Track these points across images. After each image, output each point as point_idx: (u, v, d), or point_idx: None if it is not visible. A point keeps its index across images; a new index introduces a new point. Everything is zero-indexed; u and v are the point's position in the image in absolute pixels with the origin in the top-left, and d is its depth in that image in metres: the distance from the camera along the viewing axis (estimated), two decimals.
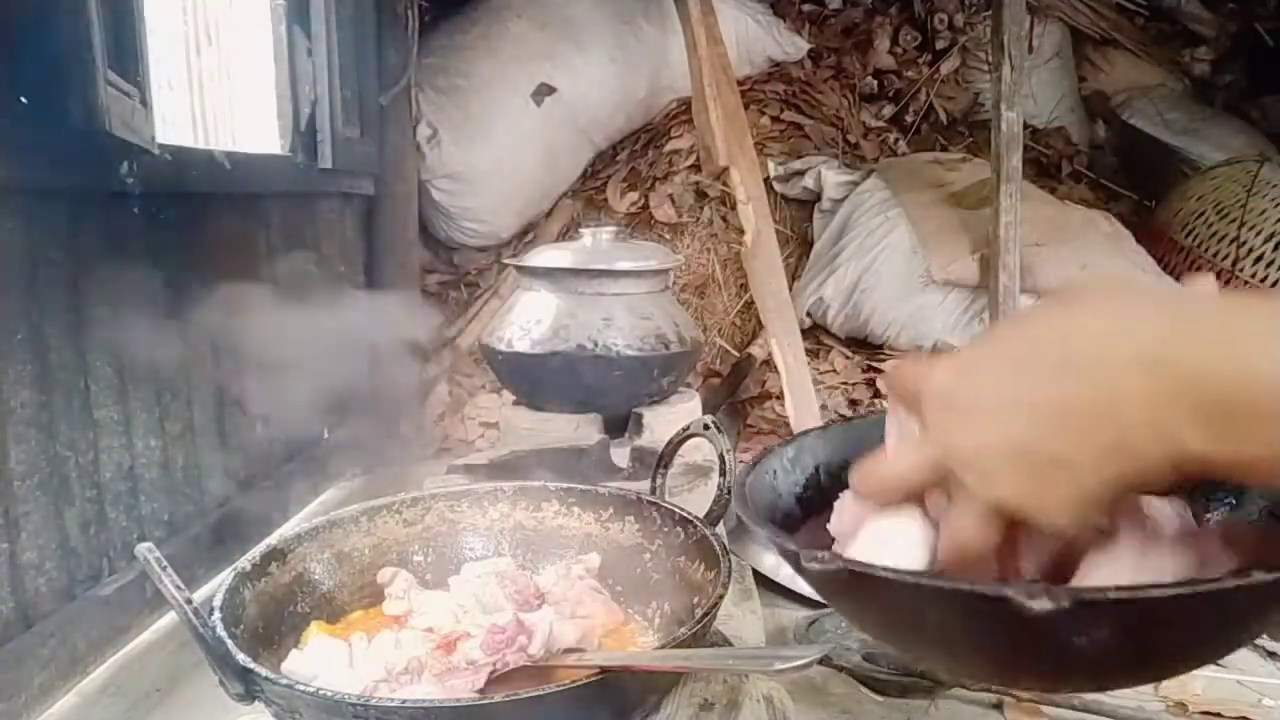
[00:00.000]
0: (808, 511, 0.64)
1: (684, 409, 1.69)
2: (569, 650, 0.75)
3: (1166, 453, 0.36)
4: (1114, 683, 0.50)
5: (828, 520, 0.64)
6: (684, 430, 0.93)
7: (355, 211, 2.37)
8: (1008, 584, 0.40)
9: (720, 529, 0.87)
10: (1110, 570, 0.45)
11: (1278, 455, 0.34)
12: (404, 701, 0.62)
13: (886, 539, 0.49)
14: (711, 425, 0.90)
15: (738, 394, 2.56)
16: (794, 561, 0.49)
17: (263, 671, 0.63)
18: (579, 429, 1.59)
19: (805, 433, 0.69)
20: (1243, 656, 1.49)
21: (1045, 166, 3.30)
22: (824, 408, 2.30)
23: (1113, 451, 0.37)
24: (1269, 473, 0.35)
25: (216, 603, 0.71)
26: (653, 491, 0.94)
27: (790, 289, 2.51)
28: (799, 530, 0.63)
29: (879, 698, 1.36)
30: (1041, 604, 0.37)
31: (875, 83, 3.28)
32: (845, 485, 0.67)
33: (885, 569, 0.45)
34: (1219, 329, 0.36)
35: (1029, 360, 0.41)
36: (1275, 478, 0.35)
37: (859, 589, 0.47)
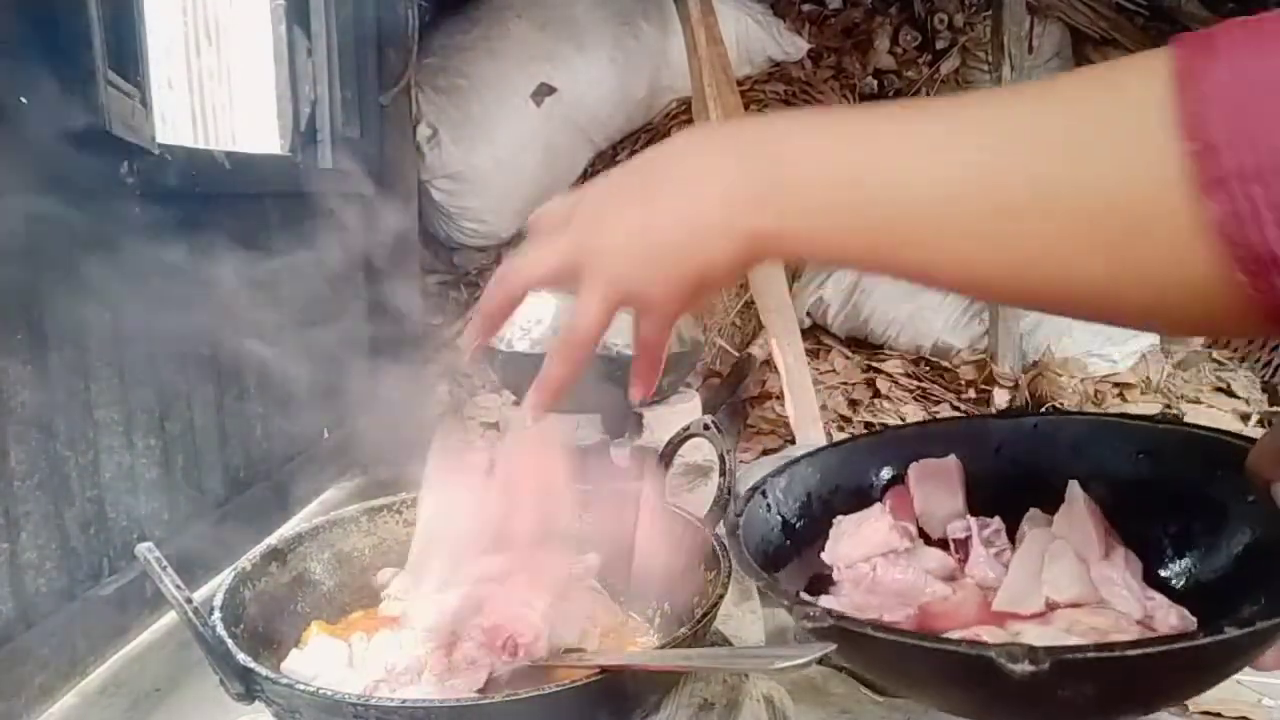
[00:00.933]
0: (800, 541, 0.65)
1: (684, 409, 1.69)
2: (569, 650, 0.75)
3: (741, 235, 0.45)
4: None
5: (820, 550, 0.64)
6: (684, 430, 0.93)
7: (355, 211, 2.37)
8: (989, 646, 0.42)
9: (720, 529, 0.87)
10: None
11: (816, 226, 0.42)
12: (404, 701, 0.62)
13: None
14: (711, 425, 0.89)
15: (738, 394, 2.56)
16: (787, 609, 0.52)
17: (263, 671, 0.63)
18: (579, 429, 1.59)
19: (796, 460, 0.69)
20: None
21: None
22: (824, 408, 2.30)
23: (697, 236, 0.46)
24: (825, 245, 0.43)
25: (216, 602, 0.71)
26: None
27: (790, 289, 2.51)
28: (795, 560, 0.63)
29: (879, 698, 1.36)
30: (1022, 667, 0.40)
31: (875, 83, 3.28)
32: (837, 512, 0.68)
33: (873, 626, 0.47)
34: (770, 143, 0.45)
35: (642, 173, 0.50)
36: (824, 252, 0.44)
37: (849, 641, 0.49)
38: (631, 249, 0.48)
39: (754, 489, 0.65)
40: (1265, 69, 0.30)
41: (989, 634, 0.51)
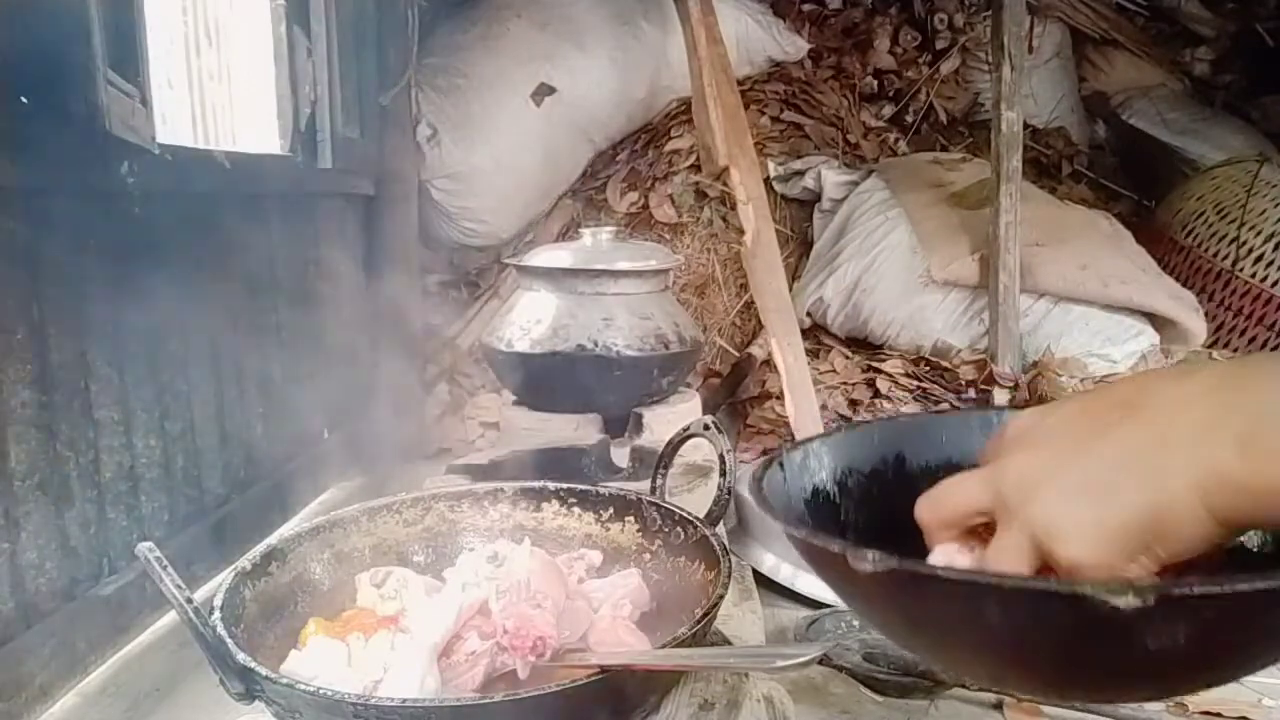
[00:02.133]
0: (815, 519, 0.64)
1: (684, 409, 1.69)
2: (569, 650, 0.75)
3: (1207, 515, 0.39)
4: (1171, 689, 0.48)
5: (836, 530, 0.63)
6: (684, 430, 0.93)
7: (355, 211, 2.37)
8: (1085, 583, 0.38)
9: (720, 529, 0.87)
10: None
11: None
12: (404, 701, 0.62)
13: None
14: (711, 425, 0.89)
15: (738, 394, 2.56)
16: (827, 558, 0.47)
17: (263, 671, 0.63)
18: (579, 429, 1.59)
19: (810, 439, 0.68)
20: None
21: (1045, 166, 3.30)
22: (824, 408, 2.30)
23: (1153, 511, 0.39)
24: None
25: (217, 602, 0.71)
26: (653, 491, 0.94)
27: (790, 289, 2.51)
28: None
29: (879, 698, 1.36)
30: (1126, 601, 0.36)
31: (875, 83, 3.28)
32: (852, 494, 0.67)
33: (946, 569, 0.43)
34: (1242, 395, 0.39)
35: (1091, 405, 0.44)
36: None
37: (911, 594, 0.44)
38: (1057, 487, 0.42)
39: (769, 459, 0.63)
40: None
41: None
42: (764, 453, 2.28)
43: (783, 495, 0.62)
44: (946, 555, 0.49)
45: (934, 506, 0.50)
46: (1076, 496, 0.41)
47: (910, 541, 0.65)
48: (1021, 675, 0.49)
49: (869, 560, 0.43)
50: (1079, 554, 0.41)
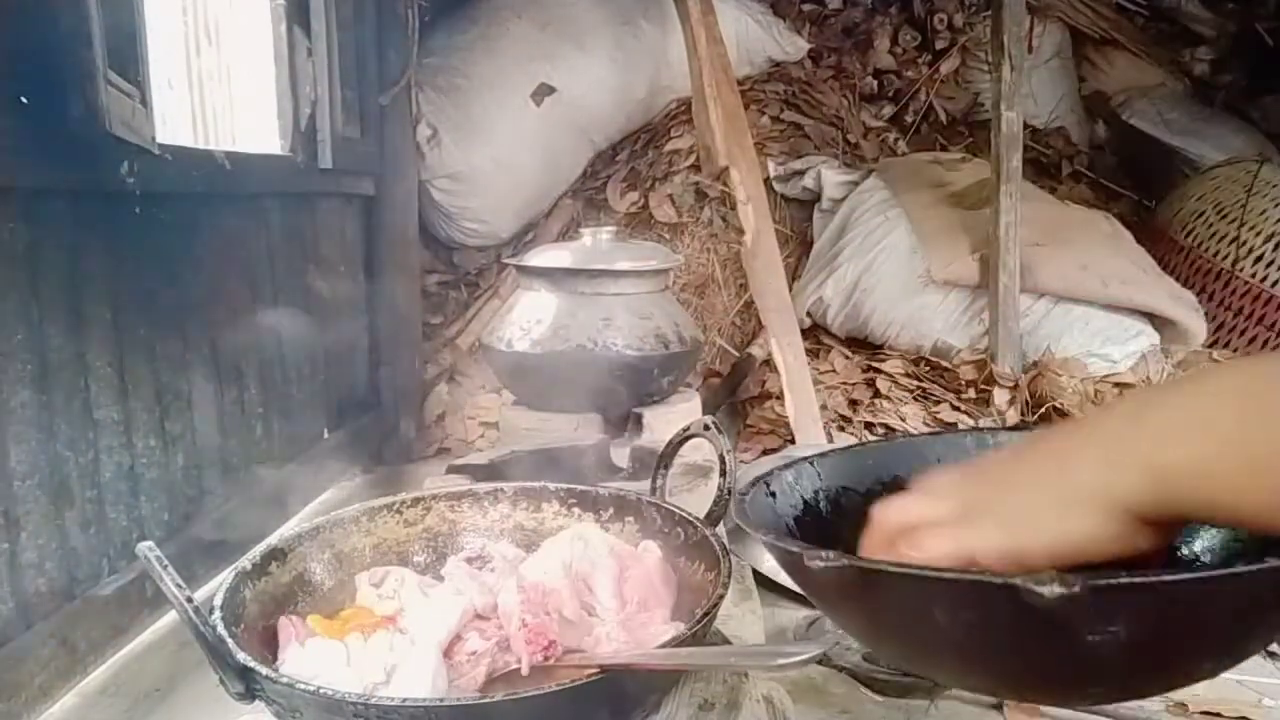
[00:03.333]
0: (804, 535, 0.64)
1: (684, 409, 1.69)
2: (569, 650, 0.76)
3: (1120, 510, 0.44)
4: (1128, 690, 0.49)
5: (820, 544, 0.63)
6: (684, 430, 0.93)
7: (355, 211, 2.37)
8: (1015, 575, 0.40)
9: (720, 529, 0.87)
10: None
11: (1202, 487, 0.42)
12: (404, 701, 0.62)
13: None
14: (711, 425, 0.89)
15: (738, 394, 2.56)
16: (794, 563, 0.49)
17: (263, 671, 0.63)
18: (579, 429, 1.59)
19: (804, 458, 0.68)
20: None
21: (1045, 166, 3.30)
22: (824, 408, 2.30)
23: (1071, 519, 0.45)
24: (1211, 505, 0.43)
25: (217, 602, 0.71)
26: (653, 491, 0.94)
27: (790, 289, 2.51)
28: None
29: (879, 698, 1.36)
30: (1052, 589, 0.37)
31: (875, 83, 3.28)
32: (843, 514, 0.67)
33: (893, 564, 0.45)
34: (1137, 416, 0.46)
35: (1019, 453, 0.51)
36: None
37: (864, 591, 0.46)
38: (1001, 509, 0.48)
39: (758, 478, 0.64)
40: None
41: None
42: (764, 452, 2.28)
43: (768, 511, 0.62)
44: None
45: (888, 513, 0.53)
46: (1010, 527, 0.47)
47: None
48: (978, 672, 0.51)
49: (821, 558, 0.46)
50: (1012, 565, 0.46)
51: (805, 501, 0.66)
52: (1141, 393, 0.51)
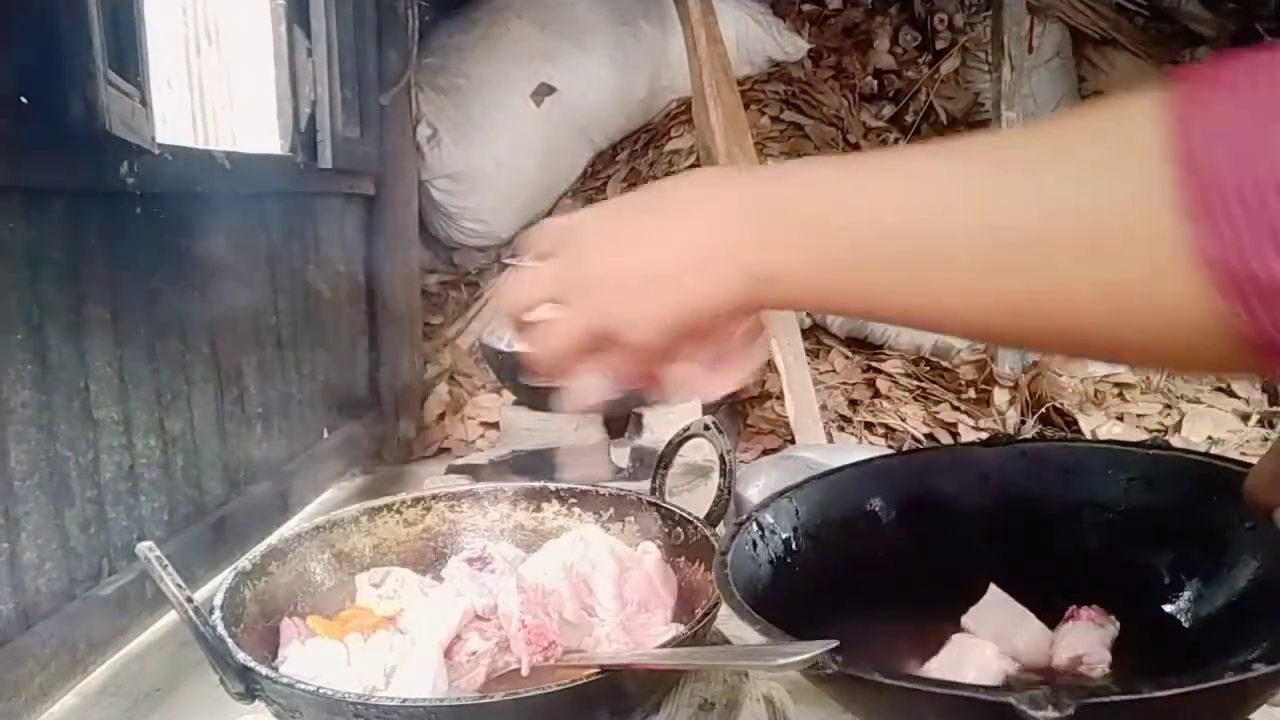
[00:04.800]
0: (787, 579, 0.64)
1: (684, 409, 1.69)
2: (569, 650, 0.75)
3: (736, 273, 0.42)
4: None
5: (809, 590, 0.64)
6: (684, 430, 0.93)
7: (355, 211, 2.37)
8: (1009, 691, 0.40)
9: (720, 529, 0.87)
10: None
11: (814, 264, 0.41)
12: (404, 701, 0.62)
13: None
14: (712, 425, 0.89)
15: (738, 394, 2.56)
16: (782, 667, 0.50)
17: (263, 671, 0.63)
18: (579, 429, 1.59)
19: (781, 493, 0.68)
20: None
21: None
22: (824, 408, 2.30)
23: (687, 271, 0.43)
24: (824, 287, 0.41)
25: (217, 602, 0.71)
26: (653, 491, 0.94)
27: None
28: (783, 598, 0.62)
29: None
30: (1046, 714, 0.38)
31: (875, 83, 3.28)
32: (824, 549, 0.67)
33: (879, 672, 0.44)
34: (769, 182, 0.45)
35: (638, 205, 0.49)
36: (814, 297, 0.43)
37: (857, 690, 0.46)
38: (615, 280, 0.46)
39: (739, 524, 0.64)
40: (1256, 98, 0.30)
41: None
42: (764, 452, 2.28)
43: (750, 563, 0.62)
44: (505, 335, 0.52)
45: (505, 296, 0.52)
46: (640, 292, 0.45)
47: (886, 589, 0.65)
48: None
49: (815, 666, 0.45)
50: (643, 339, 0.45)
51: (785, 544, 0.66)
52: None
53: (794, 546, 0.66)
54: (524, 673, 0.71)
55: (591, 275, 0.47)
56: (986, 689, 0.42)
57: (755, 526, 0.65)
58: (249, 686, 0.64)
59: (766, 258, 0.41)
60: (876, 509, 0.70)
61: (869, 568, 0.67)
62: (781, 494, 0.68)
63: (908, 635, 0.61)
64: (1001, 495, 0.68)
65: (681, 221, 0.45)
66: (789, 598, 0.60)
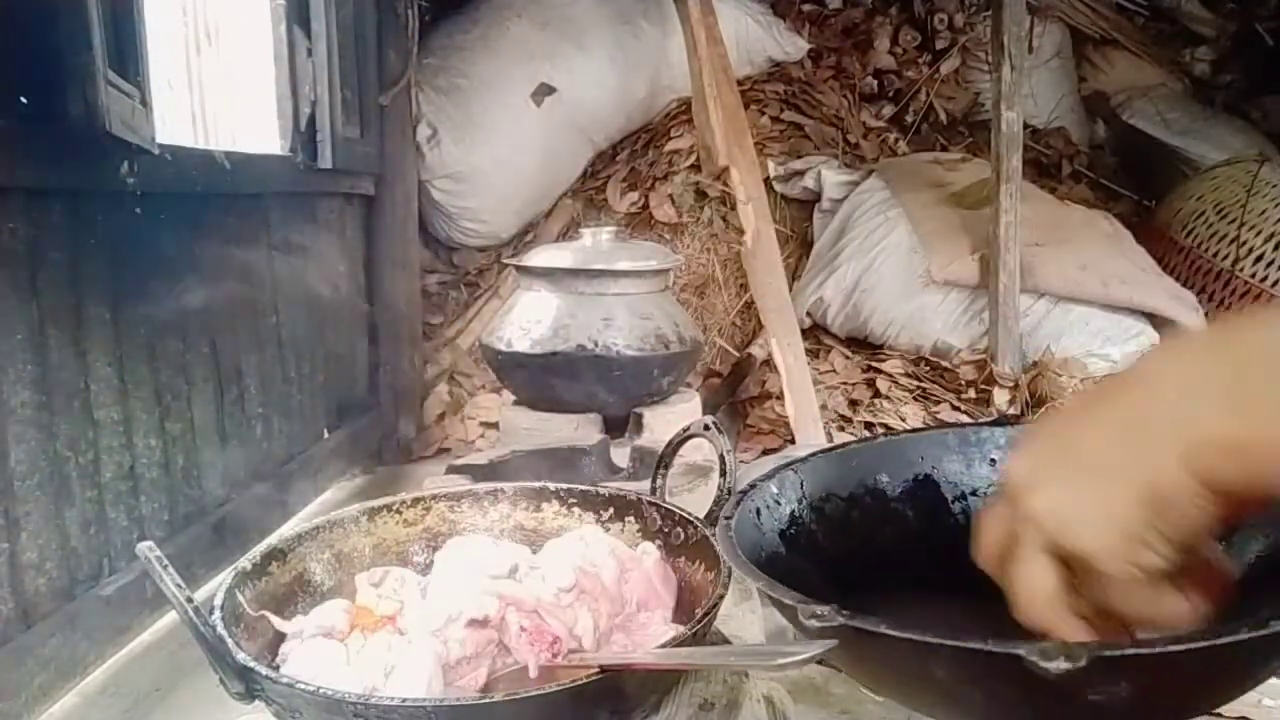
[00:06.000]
0: (791, 549, 0.63)
1: (684, 409, 1.69)
2: (569, 650, 0.75)
3: (1197, 484, 0.38)
4: None
5: (813, 560, 0.63)
6: (684, 430, 0.93)
7: (355, 211, 2.37)
8: (1019, 644, 0.38)
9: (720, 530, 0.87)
10: None
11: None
12: (404, 701, 0.62)
13: None
14: (712, 425, 0.89)
15: (738, 394, 2.56)
16: (790, 615, 0.48)
17: (263, 670, 0.63)
18: (579, 429, 1.59)
19: (786, 464, 0.67)
20: None
21: (1045, 166, 3.30)
22: (824, 408, 2.30)
23: (1146, 488, 0.39)
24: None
25: (216, 602, 0.71)
26: (653, 491, 0.94)
27: (790, 289, 2.51)
28: (788, 566, 0.61)
29: (879, 698, 1.36)
30: (1058, 665, 0.36)
31: (875, 83, 3.28)
32: (827, 520, 0.66)
33: (889, 626, 0.43)
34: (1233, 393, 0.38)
35: (1085, 396, 0.46)
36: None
37: (861, 647, 0.45)
38: (1069, 499, 0.42)
39: (742, 493, 0.64)
40: None
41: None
42: (764, 452, 2.28)
43: (753, 532, 0.61)
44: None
45: (977, 551, 0.48)
46: (1074, 485, 0.41)
47: (891, 568, 0.65)
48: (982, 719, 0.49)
49: (816, 616, 0.44)
50: (1089, 545, 0.41)
51: (791, 515, 0.65)
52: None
53: (799, 518, 0.65)
54: (532, 674, 0.71)
55: (1039, 494, 0.42)
56: (997, 641, 0.40)
57: (760, 495, 0.64)
58: (249, 686, 0.64)
59: (1228, 470, 0.37)
60: (883, 485, 0.69)
61: (875, 543, 0.67)
62: (787, 466, 0.67)
63: (914, 612, 0.60)
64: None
65: (1136, 401, 0.41)
66: (793, 570, 0.60)
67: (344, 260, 2.28)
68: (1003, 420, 0.70)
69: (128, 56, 1.32)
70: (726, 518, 0.60)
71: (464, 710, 0.61)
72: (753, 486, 0.64)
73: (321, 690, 0.61)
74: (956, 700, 0.46)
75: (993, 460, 0.69)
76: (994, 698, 0.44)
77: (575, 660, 0.71)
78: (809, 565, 0.63)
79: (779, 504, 0.65)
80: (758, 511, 0.63)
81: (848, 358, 2.64)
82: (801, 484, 0.66)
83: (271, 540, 0.84)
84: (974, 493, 0.69)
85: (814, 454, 0.69)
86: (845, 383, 2.54)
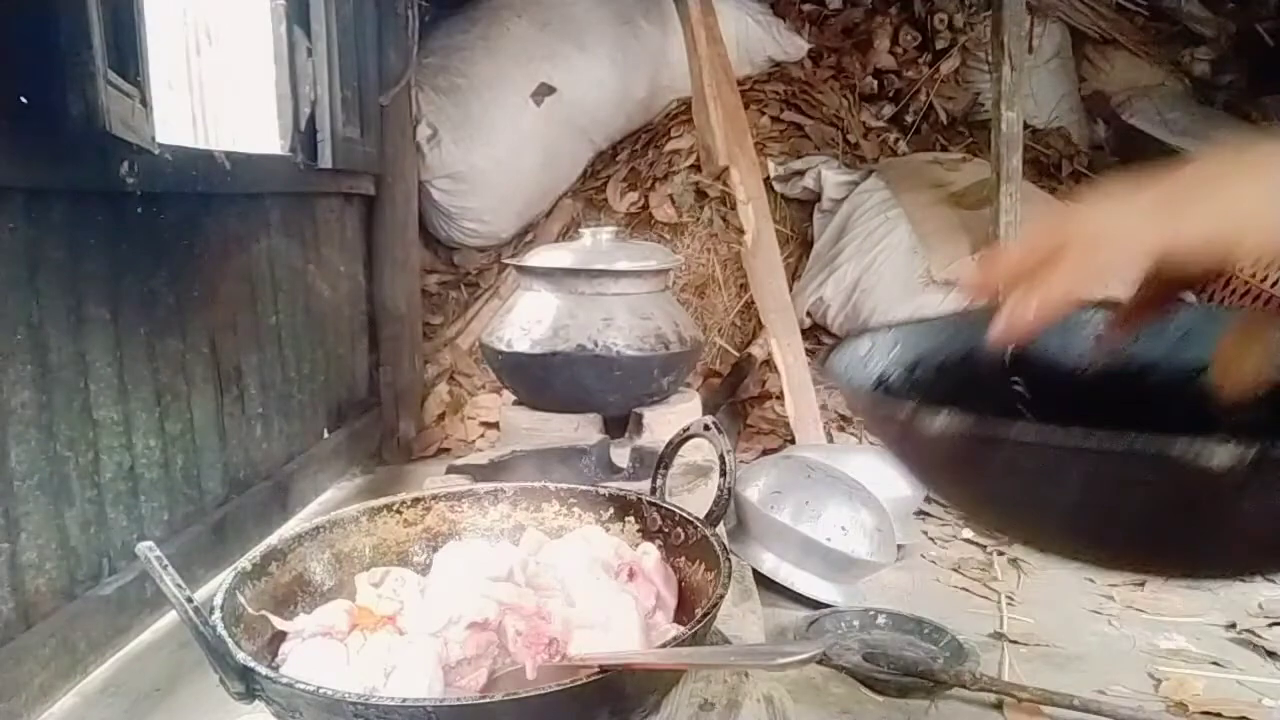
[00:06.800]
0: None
1: (684, 409, 1.69)
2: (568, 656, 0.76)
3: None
4: (1264, 564, 0.44)
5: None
6: (684, 430, 0.93)
7: (355, 211, 2.37)
8: (1178, 439, 0.33)
9: (720, 529, 0.87)
10: None
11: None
12: (404, 701, 0.62)
13: None
14: (712, 426, 0.89)
15: (738, 394, 2.56)
16: (901, 426, 0.42)
17: (263, 670, 0.63)
18: (579, 429, 1.59)
19: (877, 329, 0.65)
20: (1243, 656, 1.49)
21: (1045, 166, 3.30)
22: (824, 408, 2.30)
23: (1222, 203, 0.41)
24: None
25: (216, 602, 0.71)
26: (653, 491, 0.94)
27: (790, 289, 2.51)
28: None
29: (879, 698, 1.36)
30: (1223, 456, 0.32)
31: (875, 83, 3.28)
32: (919, 388, 0.64)
33: (1030, 424, 0.38)
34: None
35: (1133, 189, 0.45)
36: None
37: (984, 459, 0.40)
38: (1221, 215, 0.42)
39: (830, 348, 0.60)
40: None
41: None
42: (764, 452, 2.28)
43: (848, 375, 0.58)
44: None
45: (988, 263, 0.48)
46: (1156, 209, 0.42)
47: None
48: (1107, 546, 0.44)
49: (941, 418, 0.38)
50: (1116, 256, 0.42)
51: (879, 378, 0.60)
52: None
53: (885, 380, 0.62)
54: (530, 675, 0.71)
55: (1175, 194, 0.43)
56: (1152, 437, 0.34)
57: (850, 352, 0.59)
58: (249, 686, 0.64)
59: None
60: (976, 358, 0.65)
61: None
62: (877, 329, 0.64)
63: None
64: (1110, 356, 0.62)
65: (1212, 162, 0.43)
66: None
67: (344, 260, 2.28)
68: (1107, 303, 0.67)
69: (128, 57, 1.32)
70: (831, 349, 0.56)
71: (464, 710, 0.61)
72: (842, 341, 0.61)
73: (321, 690, 0.61)
74: (1088, 519, 0.41)
75: (1098, 339, 0.65)
76: (1133, 510, 0.38)
77: (575, 660, 0.71)
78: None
79: (865, 366, 0.62)
80: (853, 361, 0.60)
81: None
82: (895, 343, 0.64)
83: (271, 540, 0.84)
84: (1075, 371, 0.65)
85: (906, 321, 0.65)
86: None
